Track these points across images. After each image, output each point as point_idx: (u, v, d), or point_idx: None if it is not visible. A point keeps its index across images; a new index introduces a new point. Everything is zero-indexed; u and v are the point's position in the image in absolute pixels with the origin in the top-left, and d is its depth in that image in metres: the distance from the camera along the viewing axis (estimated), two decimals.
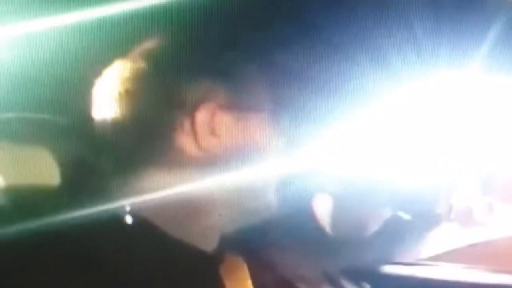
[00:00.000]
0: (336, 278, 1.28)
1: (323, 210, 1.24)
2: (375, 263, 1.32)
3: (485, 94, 1.18)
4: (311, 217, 1.23)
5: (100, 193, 0.95)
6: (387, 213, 1.28)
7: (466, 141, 1.25)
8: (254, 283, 1.06)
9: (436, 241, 1.36)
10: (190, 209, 0.96)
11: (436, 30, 1.09)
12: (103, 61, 1.01)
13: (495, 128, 1.24)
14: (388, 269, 1.32)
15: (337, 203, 1.24)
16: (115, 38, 1.04)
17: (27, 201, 0.95)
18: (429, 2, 1.09)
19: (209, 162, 0.96)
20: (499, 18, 1.06)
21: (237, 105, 0.98)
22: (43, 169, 1.00)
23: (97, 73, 1.01)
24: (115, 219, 0.93)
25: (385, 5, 1.10)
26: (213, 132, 0.96)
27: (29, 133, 1.05)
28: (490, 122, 1.22)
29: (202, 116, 0.95)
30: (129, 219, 0.94)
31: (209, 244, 1.00)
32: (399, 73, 1.13)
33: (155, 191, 0.94)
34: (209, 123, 0.96)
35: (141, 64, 0.97)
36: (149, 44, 1.00)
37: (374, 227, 1.27)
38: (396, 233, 1.30)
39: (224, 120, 0.97)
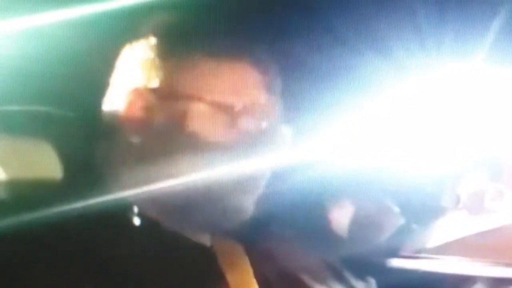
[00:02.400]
0: (339, 270, 1.27)
1: (339, 219, 1.24)
2: (378, 256, 1.31)
3: (490, 84, 1.17)
4: (324, 221, 1.22)
5: (97, 186, 0.96)
6: (401, 220, 1.27)
7: (472, 130, 1.23)
8: (255, 273, 1.05)
9: (443, 232, 1.35)
10: (184, 202, 0.96)
11: (440, 22, 1.08)
12: (106, 55, 1.01)
13: (501, 116, 1.22)
14: (392, 262, 1.32)
15: (353, 209, 1.23)
16: (118, 31, 1.04)
17: (28, 195, 0.96)
18: None
19: (208, 152, 0.95)
20: (502, 9, 1.05)
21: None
22: (44, 162, 1.01)
23: (99, 66, 1.01)
24: (113, 212, 0.93)
25: None
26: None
27: (31, 126, 1.05)
28: (495, 111, 1.20)
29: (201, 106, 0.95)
30: (127, 213, 0.95)
31: (205, 236, 1.00)
32: (403, 64, 1.12)
33: (153, 185, 0.94)
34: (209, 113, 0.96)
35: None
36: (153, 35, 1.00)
37: (388, 232, 1.27)
38: (401, 228, 1.29)
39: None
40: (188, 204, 0.96)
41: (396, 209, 1.24)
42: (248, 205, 0.99)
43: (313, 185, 1.15)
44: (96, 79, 1.01)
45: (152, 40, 0.98)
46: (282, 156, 0.99)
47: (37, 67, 1.11)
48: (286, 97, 1.01)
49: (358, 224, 1.23)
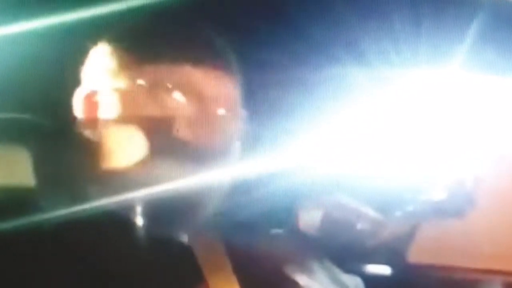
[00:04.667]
0: (325, 264, 1.28)
1: (312, 221, 1.24)
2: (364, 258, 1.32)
3: (465, 91, 1.18)
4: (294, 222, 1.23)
5: (77, 192, 0.98)
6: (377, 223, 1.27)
7: (450, 134, 1.24)
8: (235, 271, 1.06)
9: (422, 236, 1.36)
10: (158, 203, 0.97)
11: (416, 28, 1.09)
12: (76, 60, 1.04)
13: (477, 119, 1.23)
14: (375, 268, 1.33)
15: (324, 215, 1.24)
16: (97, 39, 1.05)
17: (4, 202, 0.98)
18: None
19: (177, 151, 0.97)
20: (479, 15, 1.06)
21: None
22: (22, 170, 1.02)
23: (80, 73, 1.03)
24: (91, 215, 0.96)
25: (365, 5, 1.10)
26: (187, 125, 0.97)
27: (10, 133, 1.07)
28: (469, 120, 1.21)
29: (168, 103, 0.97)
30: (105, 214, 0.96)
31: (183, 234, 1.02)
32: (379, 70, 1.13)
33: (129, 187, 0.96)
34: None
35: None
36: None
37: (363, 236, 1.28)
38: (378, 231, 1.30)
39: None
40: (162, 205, 0.97)
41: (372, 214, 1.25)
42: (219, 203, 1.01)
43: (288, 186, 1.16)
44: (68, 85, 1.03)
45: (116, 42, 1.01)
46: (249, 159, 1.01)
47: (10, 74, 1.12)
48: (259, 103, 1.02)
49: (330, 226, 1.24)
